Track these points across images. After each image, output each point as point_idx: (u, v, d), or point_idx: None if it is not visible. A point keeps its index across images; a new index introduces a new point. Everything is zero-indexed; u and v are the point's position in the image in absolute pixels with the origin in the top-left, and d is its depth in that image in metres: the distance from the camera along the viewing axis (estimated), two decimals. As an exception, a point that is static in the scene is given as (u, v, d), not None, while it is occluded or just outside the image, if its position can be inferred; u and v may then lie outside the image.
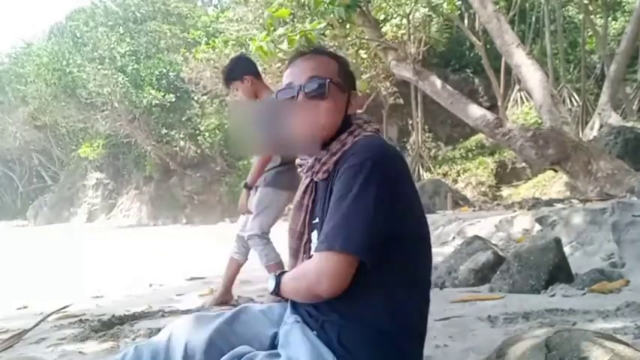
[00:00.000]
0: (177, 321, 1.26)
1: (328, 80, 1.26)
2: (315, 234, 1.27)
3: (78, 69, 18.23)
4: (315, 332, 1.17)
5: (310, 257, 1.26)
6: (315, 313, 1.19)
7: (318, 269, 1.13)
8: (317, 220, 1.27)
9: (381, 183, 1.14)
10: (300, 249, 1.29)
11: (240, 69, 3.57)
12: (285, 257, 1.38)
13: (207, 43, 14.17)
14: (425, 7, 11.60)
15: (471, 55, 15.44)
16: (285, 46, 5.65)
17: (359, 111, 1.37)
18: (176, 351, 1.16)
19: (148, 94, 17.28)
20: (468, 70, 15.72)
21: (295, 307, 1.25)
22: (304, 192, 1.32)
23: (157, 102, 17.32)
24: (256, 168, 3.38)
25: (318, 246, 1.16)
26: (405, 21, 11.41)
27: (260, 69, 3.83)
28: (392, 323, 1.14)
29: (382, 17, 11.38)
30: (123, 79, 17.43)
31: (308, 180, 1.32)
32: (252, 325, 1.26)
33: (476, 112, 7.25)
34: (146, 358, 1.17)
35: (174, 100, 17.51)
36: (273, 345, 1.22)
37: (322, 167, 1.26)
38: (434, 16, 12.38)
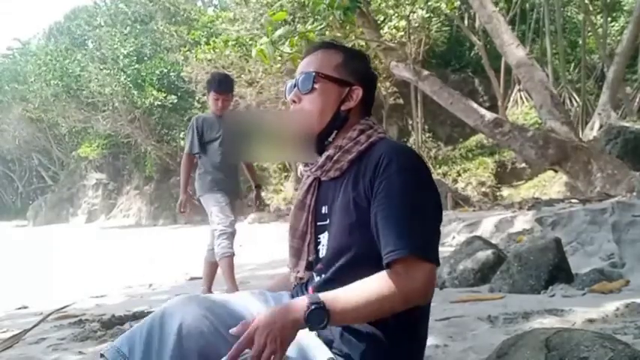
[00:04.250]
0: (170, 302, 1.16)
1: (313, 73, 1.23)
2: (325, 236, 1.23)
3: (80, 69, 18.21)
4: (315, 332, 1.15)
5: (317, 257, 1.24)
6: None
7: (424, 279, 1.06)
8: (328, 221, 1.23)
9: (432, 187, 1.16)
10: (304, 249, 1.26)
11: None
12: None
13: (207, 43, 14.14)
14: (423, 8, 11.57)
15: (471, 55, 15.43)
16: (286, 48, 5.63)
17: None
18: (170, 334, 1.08)
19: (149, 95, 17.24)
20: (468, 70, 15.70)
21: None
22: (307, 191, 1.29)
23: (159, 103, 17.29)
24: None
25: (397, 252, 1.05)
26: (403, 22, 11.39)
27: (261, 69, 3.99)
28: (397, 323, 1.13)
29: (382, 18, 11.36)
30: (124, 79, 17.41)
31: (311, 179, 1.29)
32: (246, 304, 1.22)
33: (476, 112, 7.24)
34: (139, 338, 1.09)
35: (175, 101, 17.50)
36: None
37: (335, 165, 1.22)
38: (433, 16, 12.35)
